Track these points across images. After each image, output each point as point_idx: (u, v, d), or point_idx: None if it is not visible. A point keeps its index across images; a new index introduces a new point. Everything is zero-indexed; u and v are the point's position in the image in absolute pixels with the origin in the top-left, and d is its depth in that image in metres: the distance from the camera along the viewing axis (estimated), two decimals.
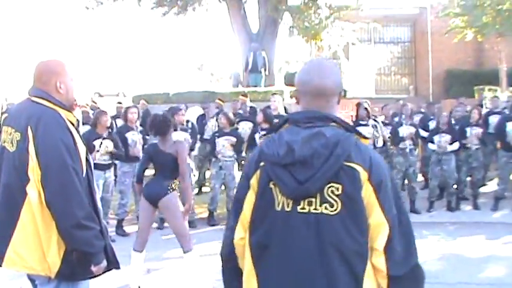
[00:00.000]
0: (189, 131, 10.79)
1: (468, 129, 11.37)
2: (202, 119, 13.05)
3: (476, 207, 11.36)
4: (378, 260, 2.34)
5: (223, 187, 10.79)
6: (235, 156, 10.54)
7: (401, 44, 28.68)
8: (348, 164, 2.31)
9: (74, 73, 3.61)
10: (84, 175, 3.41)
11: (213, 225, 10.33)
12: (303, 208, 2.33)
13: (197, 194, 12.49)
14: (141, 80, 37.67)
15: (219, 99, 14.36)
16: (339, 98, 2.57)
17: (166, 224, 8.94)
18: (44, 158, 3.25)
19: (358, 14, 20.81)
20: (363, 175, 2.32)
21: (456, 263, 7.82)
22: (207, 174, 12.81)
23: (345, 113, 12.96)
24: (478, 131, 11.36)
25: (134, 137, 9.97)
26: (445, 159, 11.03)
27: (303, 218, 2.33)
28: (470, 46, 23.91)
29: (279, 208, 2.38)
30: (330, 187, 2.30)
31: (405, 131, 11.02)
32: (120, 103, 15.48)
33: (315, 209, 2.32)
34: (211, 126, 12.53)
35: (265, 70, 19.49)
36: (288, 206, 2.36)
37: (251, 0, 23.17)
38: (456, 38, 21.07)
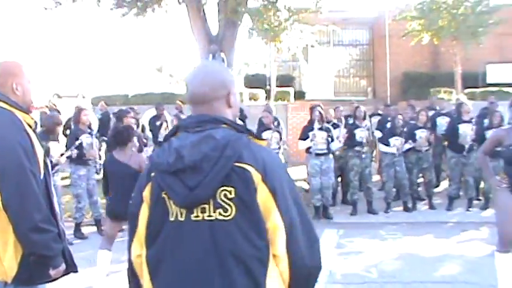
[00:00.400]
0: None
1: (417, 132, 11.53)
2: (155, 121, 12.97)
3: (431, 207, 11.57)
4: (280, 265, 2.28)
5: None
6: None
7: (360, 46, 28.95)
8: (239, 165, 2.23)
9: (32, 75, 3.56)
10: (42, 178, 3.36)
11: None
12: (197, 216, 2.23)
13: None
14: (100, 82, 37.34)
15: (180, 101, 14.35)
16: (228, 99, 2.45)
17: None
18: (0, 161, 3.19)
19: (317, 17, 20.89)
20: (256, 176, 2.23)
21: (412, 262, 7.96)
22: None
23: (304, 114, 13.08)
24: (427, 133, 11.57)
25: (88, 140, 9.83)
26: (398, 161, 11.21)
27: (197, 226, 2.23)
28: (426, 49, 24.26)
29: (172, 218, 2.27)
30: (222, 191, 2.21)
31: (362, 133, 11.15)
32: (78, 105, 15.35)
33: (209, 215, 2.22)
34: (164, 128, 12.51)
35: None
36: (181, 216, 2.26)
37: (211, 2, 23.17)
38: (413, 41, 21.37)
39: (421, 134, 11.46)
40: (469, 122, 11.32)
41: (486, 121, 11.42)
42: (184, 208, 2.24)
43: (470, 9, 19.62)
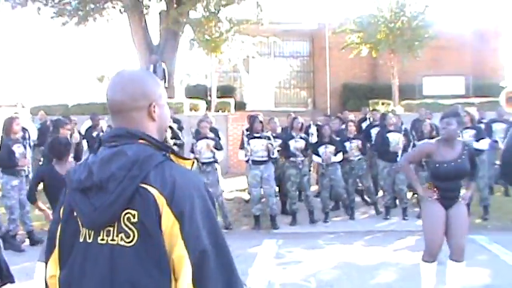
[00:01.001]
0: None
1: (346, 144, 11.74)
2: (91, 132, 12.85)
3: (378, 212, 11.93)
4: None
5: None
6: None
7: (301, 58, 29.20)
8: (144, 186, 2.00)
9: None
10: None
11: None
12: (102, 239, 2.04)
13: None
14: (40, 91, 36.66)
15: None
16: (150, 111, 2.20)
17: None
18: None
19: (258, 28, 21.10)
20: (160, 200, 1.99)
21: (349, 270, 8.09)
22: None
23: (244, 125, 13.16)
24: (358, 143, 11.82)
25: (20, 150, 9.59)
26: (331, 170, 11.37)
27: (100, 250, 2.04)
28: (365, 61, 24.69)
29: (81, 239, 2.09)
30: (126, 214, 2.00)
31: (296, 144, 11.27)
32: (16, 113, 15.10)
33: (112, 239, 2.02)
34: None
35: (165, 82, 19.50)
36: (89, 238, 2.07)
37: (152, 12, 23.13)
38: (352, 54, 21.73)
39: (352, 145, 11.73)
40: (397, 131, 11.63)
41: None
42: (90, 229, 2.07)
43: (406, 23, 20.10)
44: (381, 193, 12.70)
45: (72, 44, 66.59)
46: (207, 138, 10.91)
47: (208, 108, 20.59)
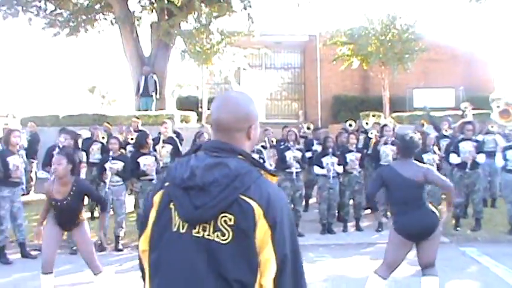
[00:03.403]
0: None
1: (348, 155, 11.78)
2: (88, 142, 12.86)
3: (358, 229, 11.80)
4: None
5: (111, 212, 10.68)
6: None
7: (292, 69, 29.19)
8: (244, 197, 2.34)
9: None
10: None
11: (101, 250, 10.21)
12: (198, 232, 2.37)
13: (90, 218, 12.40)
14: (30, 102, 36.60)
15: (108, 123, 14.28)
16: (249, 132, 2.60)
17: None
18: None
19: (250, 40, 21.13)
20: (258, 211, 2.34)
21: (340, 283, 8.10)
22: None
23: None
24: (357, 155, 11.83)
25: (16, 161, 9.59)
26: (333, 182, 11.41)
27: (195, 242, 2.36)
28: (356, 73, 24.70)
29: (175, 229, 2.42)
30: (223, 217, 2.33)
31: (292, 155, 11.28)
32: (6, 124, 15.05)
33: (208, 235, 2.35)
34: (96, 149, 12.42)
35: (156, 94, 19.51)
36: (183, 228, 2.40)
37: (143, 23, 23.17)
38: (343, 66, 21.76)
39: (351, 157, 11.70)
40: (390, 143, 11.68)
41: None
42: (186, 222, 2.39)
43: (397, 36, 20.12)
44: None
45: (63, 55, 66.64)
46: None
47: (200, 120, 20.58)
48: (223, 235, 2.33)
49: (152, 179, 10.57)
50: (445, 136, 12.97)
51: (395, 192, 6.41)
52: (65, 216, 6.86)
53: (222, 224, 2.33)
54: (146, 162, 10.64)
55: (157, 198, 2.53)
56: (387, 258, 6.51)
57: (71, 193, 6.77)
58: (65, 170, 6.72)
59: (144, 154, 10.69)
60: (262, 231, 2.33)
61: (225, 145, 2.51)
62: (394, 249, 6.43)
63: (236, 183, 2.34)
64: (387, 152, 11.60)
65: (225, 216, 2.33)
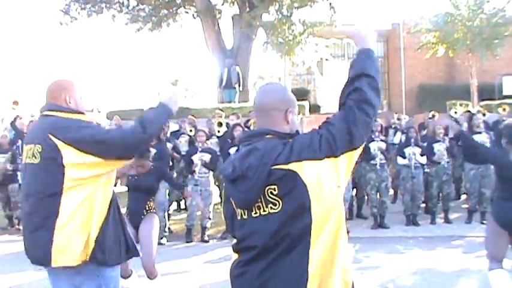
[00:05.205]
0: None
1: (435, 145, 11.49)
2: (175, 135, 13.00)
3: (447, 221, 11.49)
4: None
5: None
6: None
7: None
8: (276, 168, 2.57)
9: (84, 91, 3.91)
10: None
11: (188, 241, 10.33)
12: (256, 213, 2.66)
13: (176, 210, 12.65)
14: (116, 96, 37.51)
15: (192, 116, 14.42)
16: (286, 116, 2.79)
17: None
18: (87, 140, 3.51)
19: (332, 30, 20.94)
20: (290, 174, 2.55)
21: (430, 276, 7.88)
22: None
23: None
24: (446, 145, 11.47)
25: None
26: (416, 173, 11.19)
27: (253, 221, 2.68)
28: (441, 61, 24.19)
29: (239, 218, 2.77)
30: (268, 189, 2.60)
31: (376, 146, 11.10)
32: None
33: (264, 211, 2.63)
34: (184, 141, 12.53)
35: (239, 86, 19.56)
36: (245, 215, 2.73)
37: (225, 16, 23.29)
38: (428, 54, 21.31)
39: (439, 147, 11.40)
40: (480, 132, 11.31)
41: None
42: (243, 209, 2.72)
43: (485, 21, 19.54)
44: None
45: (147, 49, 67.99)
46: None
47: None
48: (275, 205, 2.59)
49: None
50: None
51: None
52: None
53: (270, 196, 2.60)
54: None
55: (223, 194, 2.97)
56: (490, 251, 6.21)
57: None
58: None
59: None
60: (313, 172, 2.56)
61: (254, 132, 2.89)
62: (494, 240, 6.14)
63: (265, 160, 2.60)
64: (483, 140, 11.12)
65: (270, 189, 2.59)
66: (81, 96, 3.85)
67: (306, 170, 2.54)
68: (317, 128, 2.72)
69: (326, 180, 2.58)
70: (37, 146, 3.56)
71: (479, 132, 11.35)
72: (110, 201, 3.69)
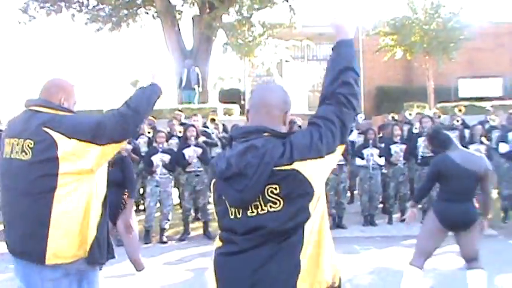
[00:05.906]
0: None
1: (392, 147, 11.67)
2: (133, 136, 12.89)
3: (404, 220, 11.62)
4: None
5: (158, 204, 10.73)
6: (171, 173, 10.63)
7: None
8: (278, 169, 2.55)
9: (79, 98, 3.98)
10: None
11: (146, 243, 10.28)
12: (252, 212, 2.62)
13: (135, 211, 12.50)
14: (77, 97, 37.06)
15: (152, 116, 14.36)
16: (284, 117, 2.81)
17: None
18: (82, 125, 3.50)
19: (292, 32, 21.06)
20: (295, 175, 2.56)
21: (386, 276, 8.00)
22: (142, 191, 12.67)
23: None
24: (402, 147, 11.70)
25: None
26: (374, 174, 11.33)
27: (248, 220, 2.63)
28: (399, 64, 24.43)
29: (232, 216, 2.69)
30: (268, 188, 2.57)
31: None
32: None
33: (262, 210, 2.60)
34: (143, 142, 12.46)
35: (198, 87, 19.55)
36: (239, 213, 2.66)
37: (185, 17, 23.26)
38: (386, 56, 21.54)
39: (396, 149, 11.56)
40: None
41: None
42: (238, 208, 2.66)
43: (441, 25, 19.85)
44: None
45: (105, 49, 67.36)
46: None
47: (242, 113, 20.60)
48: (275, 203, 2.57)
49: (197, 172, 10.65)
50: (493, 127, 12.72)
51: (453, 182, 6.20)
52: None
53: (269, 195, 2.57)
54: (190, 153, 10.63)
55: (212, 189, 2.84)
56: (419, 245, 6.42)
57: None
58: None
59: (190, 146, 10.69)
60: (310, 169, 2.58)
61: (251, 128, 2.76)
62: (427, 237, 6.34)
63: (266, 159, 2.55)
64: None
65: (271, 188, 2.56)
66: (75, 102, 3.87)
67: (310, 168, 2.58)
68: (312, 123, 2.72)
69: (324, 176, 2.69)
70: (27, 141, 3.44)
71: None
72: (104, 198, 3.66)
